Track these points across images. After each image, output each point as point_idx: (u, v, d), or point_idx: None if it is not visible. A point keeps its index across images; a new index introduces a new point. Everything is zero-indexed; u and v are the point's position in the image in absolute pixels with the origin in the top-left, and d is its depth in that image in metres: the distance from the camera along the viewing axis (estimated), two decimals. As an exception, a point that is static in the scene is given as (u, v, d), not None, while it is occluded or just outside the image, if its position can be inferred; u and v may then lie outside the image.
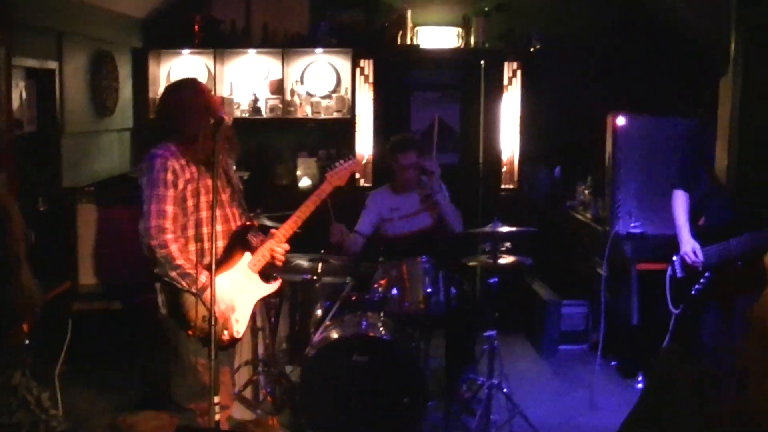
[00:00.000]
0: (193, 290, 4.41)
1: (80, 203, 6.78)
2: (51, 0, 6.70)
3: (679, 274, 5.83)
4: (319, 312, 6.05)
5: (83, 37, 7.52)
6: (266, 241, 4.80)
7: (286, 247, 4.85)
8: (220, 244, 4.61)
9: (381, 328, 5.72)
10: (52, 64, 6.94)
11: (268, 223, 5.66)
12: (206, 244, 4.53)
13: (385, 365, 5.55)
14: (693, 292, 5.74)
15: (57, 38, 7.02)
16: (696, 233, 5.79)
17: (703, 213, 5.86)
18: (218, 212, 4.56)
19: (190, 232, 4.56)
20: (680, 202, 5.93)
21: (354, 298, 6.08)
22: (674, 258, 5.88)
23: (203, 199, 4.55)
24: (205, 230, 4.56)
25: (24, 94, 6.58)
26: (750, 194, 5.55)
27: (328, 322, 5.89)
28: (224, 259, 4.61)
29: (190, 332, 4.50)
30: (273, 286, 4.86)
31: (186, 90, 4.70)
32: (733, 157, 5.15)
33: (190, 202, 4.53)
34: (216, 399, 3.97)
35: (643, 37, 8.84)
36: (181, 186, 4.49)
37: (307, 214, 4.85)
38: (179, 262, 4.43)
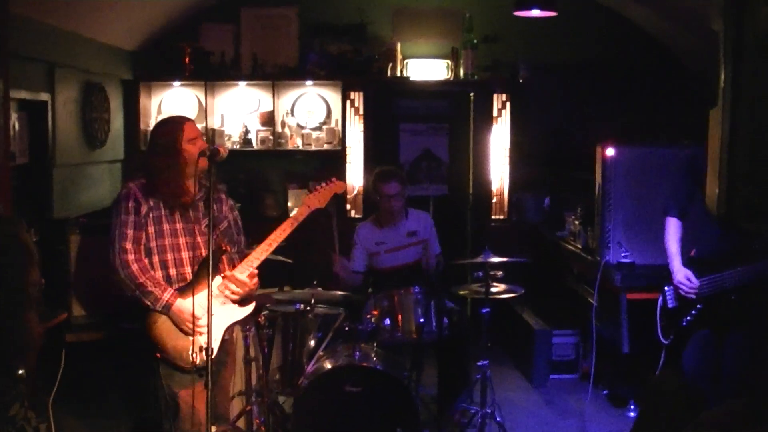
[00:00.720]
0: (157, 308, 4.61)
1: (71, 234, 6.78)
2: (43, 32, 6.73)
3: (671, 303, 5.79)
4: (312, 342, 6.05)
5: (75, 69, 7.54)
6: (237, 265, 4.85)
7: (244, 280, 4.85)
8: (189, 270, 4.71)
9: (374, 358, 5.73)
10: (45, 96, 6.96)
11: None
12: (171, 271, 4.75)
13: (377, 395, 5.56)
14: (683, 323, 5.70)
15: (49, 70, 7.05)
16: (688, 263, 5.74)
17: (695, 242, 5.85)
18: (185, 240, 4.71)
19: (155, 258, 4.73)
20: (673, 230, 5.89)
21: (347, 328, 6.09)
22: (666, 288, 5.83)
23: (166, 227, 4.75)
24: (168, 257, 4.75)
25: (17, 126, 6.59)
26: (743, 223, 5.55)
27: (320, 353, 5.89)
28: (194, 283, 4.66)
29: (158, 355, 4.61)
30: (246, 310, 4.91)
31: (159, 128, 4.83)
32: (723, 188, 5.17)
33: (151, 229, 4.72)
34: (213, 429, 3.98)
35: (632, 64, 8.91)
36: (143, 212, 4.70)
37: (281, 238, 4.89)
38: (141, 280, 4.63)
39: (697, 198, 5.72)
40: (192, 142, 4.71)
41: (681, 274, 5.69)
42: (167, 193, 4.73)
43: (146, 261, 4.68)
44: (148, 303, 4.63)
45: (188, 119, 4.87)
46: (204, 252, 4.78)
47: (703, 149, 5.75)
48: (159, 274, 4.74)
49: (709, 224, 5.64)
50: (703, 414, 4.05)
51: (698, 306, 5.57)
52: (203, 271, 4.68)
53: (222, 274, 4.83)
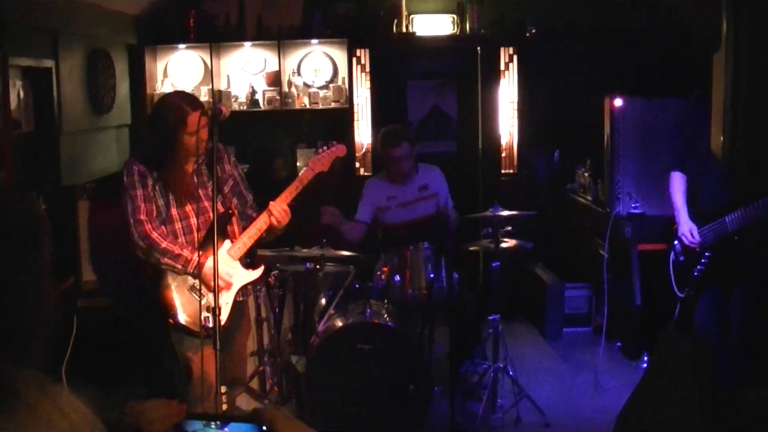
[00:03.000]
0: (189, 269, 4.63)
1: (80, 200, 6.79)
2: (45, -1, 6.71)
3: (680, 257, 5.84)
4: (322, 301, 6.07)
5: (79, 36, 7.51)
6: (246, 228, 4.85)
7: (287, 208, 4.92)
8: (197, 236, 4.73)
9: (385, 316, 5.74)
10: (49, 63, 6.93)
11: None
12: (180, 239, 4.73)
13: (389, 352, 5.57)
14: (695, 273, 5.71)
15: (52, 37, 7.01)
16: (693, 215, 5.81)
17: (699, 194, 5.86)
18: (193, 206, 4.69)
19: (168, 228, 4.74)
20: (677, 183, 5.93)
21: (357, 286, 6.10)
22: (675, 242, 5.90)
23: (172, 197, 4.73)
24: (177, 226, 4.75)
25: (21, 94, 6.58)
26: (744, 172, 5.56)
27: (332, 311, 5.91)
28: (202, 248, 4.65)
29: (170, 321, 4.64)
30: (255, 273, 4.91)
31: (164, 108, 4.74)
32: (727, 134, 5.16)
33: (160, 201, 4.72)
34: (223, 389, 3.99)
35: (638, 18, 8.82)
36: (149, 184, 4.68)
37: (288, 200, 4.88)
38: (163, 245, 4.63)
39: (695, 151, 5.72)
40: (192, 135, 4.64)
41: (686, 226, 5.77)
42: (165, 181, 4.73)
43: (163, 228, 4.68)
44: (180, 266, 4.63)
45: (195, 109, 4.67)
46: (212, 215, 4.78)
47: (697, 101, 5.77)
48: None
49: (709, 176, 5.67)
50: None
51: (707, 254, 5.59)
52: (211, 235, 4.68)
53: (231, 238, 4.83)
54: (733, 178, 5.54)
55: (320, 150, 5.21)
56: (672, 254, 5.96)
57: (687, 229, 5.75)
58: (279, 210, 4.82)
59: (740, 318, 5.62)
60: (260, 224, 4.84)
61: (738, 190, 5.54)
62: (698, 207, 5.83)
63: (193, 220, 4.74)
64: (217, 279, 4.21)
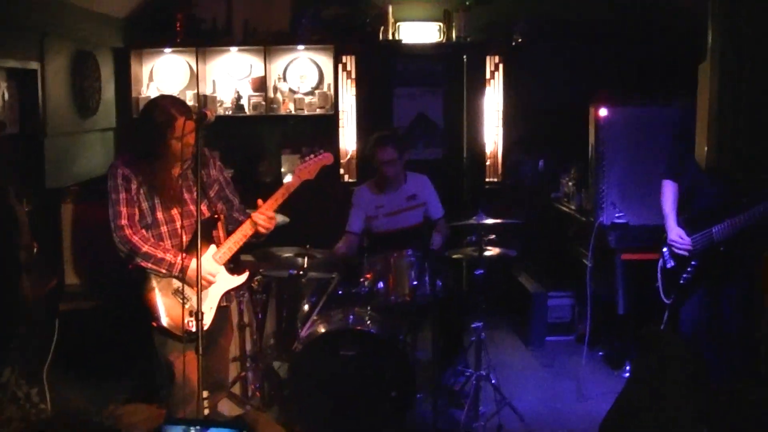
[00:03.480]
0: (174, 273, 4.64)
1: (64, 203, 6.76)
2: (32, 0, 6.68)
3: (669, 264, 5.98)
4: (306, 307, 6.07)
5: (65, 38, 7.49)
6: (232, 234, 4.85)
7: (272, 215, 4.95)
8: (184, 239, 4.71)
9: (368, 322, 5.74)
10: (34, 65, 6.91)
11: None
12: (166, 242, 4.73)
13: (372, 359, 5.58)
14: (681, 281, 5.88)
15: (38, 38, 7.00)
16: (682, 223, 5.92)
17: (691, 201, 5.93)
18: (179, 210, 4.68)
19: (151, 232, 4.73)
20: (668, 192, 6.06)
21: (340, 292, 6.09)
22: (664, 249, 6.01)
23: (157, 200, 4.72)
24: (163, 229, 4.75)
25: (6, 96, 6.56)
26: (731, 181, 5.61)
27: (315, 317, 5.91)
28: (188, 252, 4.64)
29: (153, 324, 4.62)
30: (240, 279, 4.92)
31: (153, 112, 4.72)
32: (713, 143, 5.17)
33: (144, 205, 4.71)
34: (205, 393, 3.98)
35: (626, 24, 8.82)
36: (134, 188, 4.68)
37: (274, 207, 4.91)
38: (144, 249, 4.63)
39: (689, 158, 5.77)
40: (179, 140, 4.62)
41: (674, 232, 5.91)
42: (151, 184, 4.72)
43: (144, 232, 4.66)
44: (164, 271, 4.63)
45: (183, 114, 4.65)
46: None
47: (691, 108, 5.83)
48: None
49: (703, 184, 5.74)
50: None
51: (693, 263, 5.73)
52: (196, 239, 4.67)
53: (216, 242, 4.82)
54: (724, 188, 5.60)
55: (307, 158, 5.21)
56: (660, 261, 6.07)
57: (676, 234, 5.87)
58: (263, 218, 4.84)
59: (729, 317, 5.69)
60: (245, 230, 4.85)
61: (726, 197, 5.60)
62: (690, 215, 5.92)
63: (179, 224, 4.73)
64: (201, 283, 4.20)
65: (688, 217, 5.92)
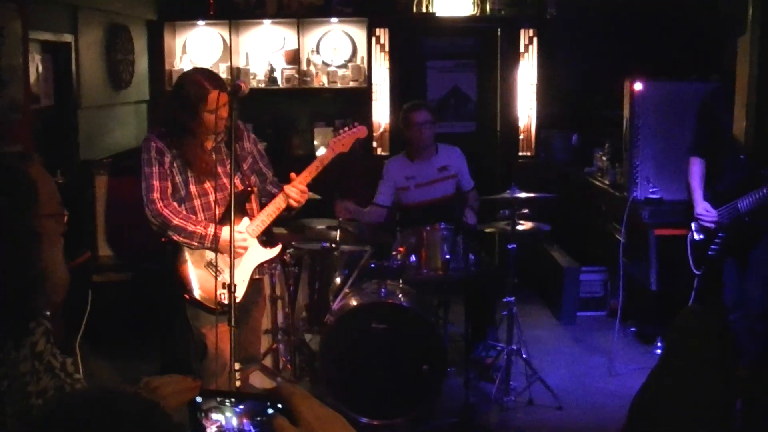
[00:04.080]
0: (206, 244, 4.62)
1: (98, 175, 6.81)
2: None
3: (698, 236, 5.99)
4: (338, 280, 6.07)
5: (98, 11, 7.52)
6: (265, 207, 4.85)
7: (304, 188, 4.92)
8: (218, 212, 4.70)
9: (400, 296, 5.73)
10: (68, 38, 6.94)
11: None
12: (200, 215, 4.71)
13: (404, 332, 5.57)
14: (710, 252, 5.91)
15: (72, 12, 7.02)
16: (708, 197, 5.94)
17: (718, 176, 5.93)
18: (212, 183, 4.67)
19: (185, 205, 4.72)
20: (696, 168, 6.08)
21: (373, 265, 6.09)
22: (692, 223, 6.02)
23: (191, 174, 4.70)
24: (197, 203, 4.73)
25: (40, 68, 6.59)
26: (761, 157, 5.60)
27: (347, 290, 5.90)
28: (221, 225, 4.64)
29: (186, 296, 4.63)
30: (273, 252, 4.91)
31: (186, 84, 4.70)
32: (752, 118, 5.12)
33: (178, 178, 4.70)
34: (237, 366, 3.99)
35: (663, 4, 8.74)
36: (167, 161, 4.66)
37: (307, 180, 4.89)
38: (175, 222, 4.61)
39: (718, 134, 5.76)
40: (212, 113, 4.62)
41: (700, 206, 5.95)
42: (184, 158, 4.71)
43: (175, 205, 4.66)
44: (196, 243, 4.63)
45: (216, 86, 4.62)
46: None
47: (719, 86, 5.79)
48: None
49: (730, 159, 5.74)
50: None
51: (720, 234, 5.74)
52: (230, 211, 4.68)
53: (250, 215, 4.83)
54: (756, 162, 5.58)
55: (341, 131, 5.19)
56: (690, 234, 6.08)
57: (702, 208, 5.91)
58: (296, 191, 4.82)
59: (754, 287, 5.68)
60: (278, 203, 4.84)
61: (756, 173, 5.58)
62: (716, 189, 5.93)
63: (212, 197, 4.73)
64: (234, 256, 4.20)
65: (715, 191, 5.94)
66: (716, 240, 5.85)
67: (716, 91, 6.07)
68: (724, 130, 5.86)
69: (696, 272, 6.05)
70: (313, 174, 4.91)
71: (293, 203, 4.84)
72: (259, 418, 1.64)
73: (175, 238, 4.62)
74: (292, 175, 4.89)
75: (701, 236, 5.96)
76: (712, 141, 5.93)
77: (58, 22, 6.84)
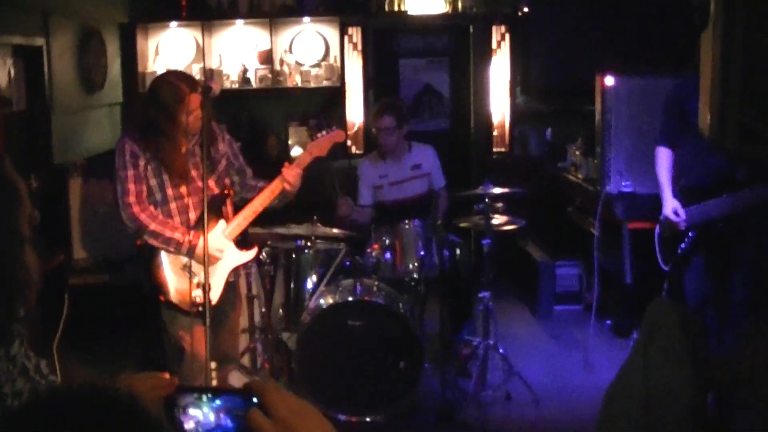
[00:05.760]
0: (182, 252, 4.63)
1: (72, 179, 6.79)
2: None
3: (665, 233, 5.88)
4: (313, 278, 6.09)
5: (70, 14, 7.49)
6: (241, 210, 4.86)
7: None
8: (192, 215, 4.71)
9: (376, 293, 5.76)
10: (39, 41, 6.92)
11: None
12: (176, 219, 4.72)
13: (380, 329, 5.60)
14: (678, 252, 5.80)
15: (43, 15, 7.00)
16: (678, 192, 5.81)
17: (690, 170, 5.86)
18: (187, 186, 4.68)
19: (163, 208, 4.73)
20: (663, 159, 5.92)
21: (348, 263, 6.12)
22: (661, 217, 5.90)
23: (166, 177, 4.70)
24: (172, 206, 4.73)
25: (12, 72, 6.57)
26: (732, 154, 5.58)
27: (322, 288, 5.93)
28: (197, 228, 4.65)
29: (161, 298, 4.64)
30: (248, 255, 4.93)
31: (163, 87, 4.70)
32: (715, 113, 5.15)
33: (153, 182, 4.69)
34: (213, 364, 4.01)
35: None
36: (142, 164, 4.66)
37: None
38: (152, 227, 4.61)
39: (685, 128, 5.74)
40: (191, 115, 4.63)
41: (670, 207, 5.76)
42: (159, 161, 4.72)
43: (152, 209, 4.66)
44: (172, 250, 4.64)
45: (193, 89, 4.63)
46: (207, 193, 4.79)
47: (691, 78, 5.81)
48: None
49: (699, 153, 5.66)
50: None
51: (690, 234, 5.66)
52: (207, 214, 4.69)
53: (225, 218, 4.83)
54: (725, 157, 5.55)
55: (319, 134, 5.20)
56: (658, 227, 5.97)
57: (671, 209, 5.72)
58: (293, 174, 4.83)
59: (737, 288, 5.65)
60: (274, 188, 4.84)
61: (730, 175, 5.54)
62: (688, 183, 5.81)
63: (188, 200, 4.73)
64: (207, 259, 4.21)
65: (686, 186, 5.80)
66: (686, 240, 5.74)
67: (687, 83, 6.05)
68: (692, 123, 5.84)
69: (665, 268, 5.96)
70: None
71: (288, 187, 4.84)
72: (236, 413, 1.66)
73: (151, 242, 4.63)
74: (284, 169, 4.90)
75: (668, 233, 5.83)
76: (679, 132, 5.88)
77: (30, 25, 6.81)
